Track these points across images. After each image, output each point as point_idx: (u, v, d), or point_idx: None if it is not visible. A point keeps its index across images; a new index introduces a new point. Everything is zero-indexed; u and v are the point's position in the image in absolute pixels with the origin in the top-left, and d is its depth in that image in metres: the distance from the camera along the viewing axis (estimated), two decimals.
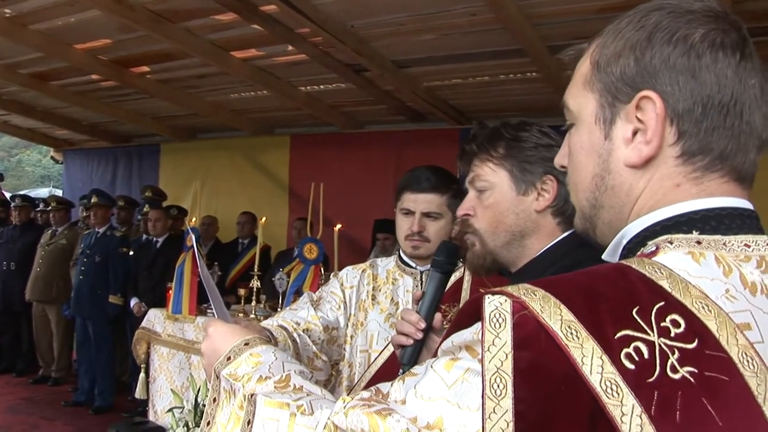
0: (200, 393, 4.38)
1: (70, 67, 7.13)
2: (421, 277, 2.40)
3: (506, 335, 0.76)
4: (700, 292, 0.79)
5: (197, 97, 8.09)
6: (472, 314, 0.85)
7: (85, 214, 8.66)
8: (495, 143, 1.68)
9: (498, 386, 0.74)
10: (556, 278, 0.83)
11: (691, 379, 0.73)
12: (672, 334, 0.75)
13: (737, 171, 0.91)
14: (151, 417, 5.16)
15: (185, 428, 4.25)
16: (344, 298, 2.37)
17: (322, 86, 7.38)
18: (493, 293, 0.80)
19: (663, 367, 0.74)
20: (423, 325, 1.63)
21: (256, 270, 5.13)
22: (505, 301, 0.78)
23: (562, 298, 0.77)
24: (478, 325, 0.81)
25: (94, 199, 7.59)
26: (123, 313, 7.41)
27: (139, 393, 5.25)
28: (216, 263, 5.57)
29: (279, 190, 9.25)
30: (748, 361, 0.76)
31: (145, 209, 7.85)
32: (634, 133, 0.92)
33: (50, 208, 8.75)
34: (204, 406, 4.20)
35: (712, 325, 0.77)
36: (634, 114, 0.92)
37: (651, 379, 0.73)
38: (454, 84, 6.98)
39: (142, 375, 5.28)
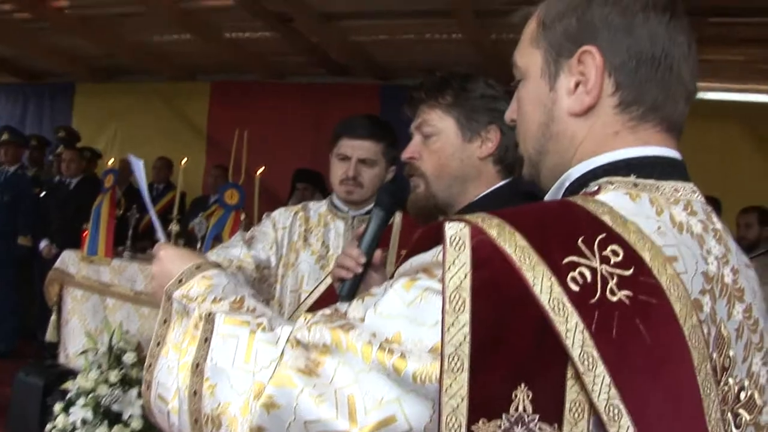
0: (115, 335, 4.35)
1: None
2: (353, 221, 2.47)
3: (465, 257, 0.83)
4: (636, 228, 0.89)
5: (117, 36, 7.84)
6: (430, 240, 0.93)
7: None
8: (443, 91, 1.77)
9: (457, 302, 0.81)
10: (510, 210, 0.91)
11: (627, 302, 0.83)
12: (612, 262, 0.85)
13: (668, 121, 1.02)
14: (62, 360, 5.08)
15: (98, 370, 4.23)
16: (276, 238, 2.42)
17: (246, 34, 7.28)
18: (452, 220, 0.88)
19: (603, 290, 0.83)
20: (363, 260, 1.71)
21: (175, 214, 5.07)
22: (465, 226, 0.86)
23: (516, 226, 0.86)
24: (437, 248, 0.89)
25: (5, 136, 7.30)
26: (31, 255, 7.23)
27: (49, 335, 5.14)
28: (135, 206, 5.49)
29: (196, 137, 9.16)
30: (674, 288, 0.86)
31: (58, 150, 7.63)
32: (577, 84, 1.02)
33: None
34: (119, 349, 4.20)
35: (646, 256, 0.86)
36: (576, 67, 1.01)
37: (592, 301, 0.82)
38: (381, 40, 7.01)
39: (53, 317, 5.17)
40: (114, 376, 4.14)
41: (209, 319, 1.12)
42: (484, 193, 1.77)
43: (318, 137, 8.05)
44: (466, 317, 0.81)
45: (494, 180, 1.78)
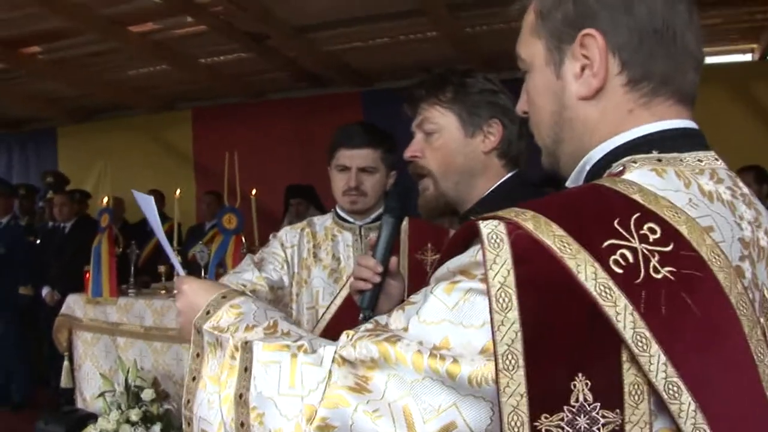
0: (130, 374, 4.33)
1: None
2: (360, 231, 2.45)
3: (506, 253, 0.82)
4: (668, 203, 0.88)
5: (93, 76, 7.82)
6: (463, 241, 0.93)
7: None
8: (443, 88, 1.77)
9: (503, 300, 0.81)
10: (539, 201, 0.90)
11: (671, 278, 0.82)
12: (650, 240, 0.84)
13: (680, 92, 1.02)
14: (79, 405, 5.05)
15: (119, 411, 4.21)
16: (286, 257, 2.41)
17: (222, 57, 7.28)
18: (485, 218, 0.87)
19: (647, 270, 0.82)
20: (380, 269, 1.69)
21: (175, 245, 5.06)
22: (499, 223, 0.85)
23: (550, 216, 0.85)
24: (474, 249, 0.88)
25: None
26: (34, 303, 7.17)
27: (64, 382, 5.11)
28: (133, 242, 5.47)
29: (183, 166, 9.16)
30: (715, 258, 0.86)
31: (48, 195, 7.58)
32: (582, 69, 1.01)
33: None
34: (136, 387, 4.17)
35: (683, 230, 0.86)
36: (579, 52, 1.01)
37: (638, 281, 0.81)
38: (355, 47, 7.02)
39: (66, 363, 5.13)
40: (135, 414, 4.13)
41: (246, 347, 1.10)
42: (494, 186, 1.77)
43: (305, 151, 8.06)
44: (515, 314, 0.80)
45: (500, 173, 1.79)
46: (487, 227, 0.85)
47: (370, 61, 7.49)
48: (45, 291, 6.92)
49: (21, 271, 7.08)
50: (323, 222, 2.53)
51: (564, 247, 0.82)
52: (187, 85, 8.20)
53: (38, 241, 7.26)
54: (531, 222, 0.84)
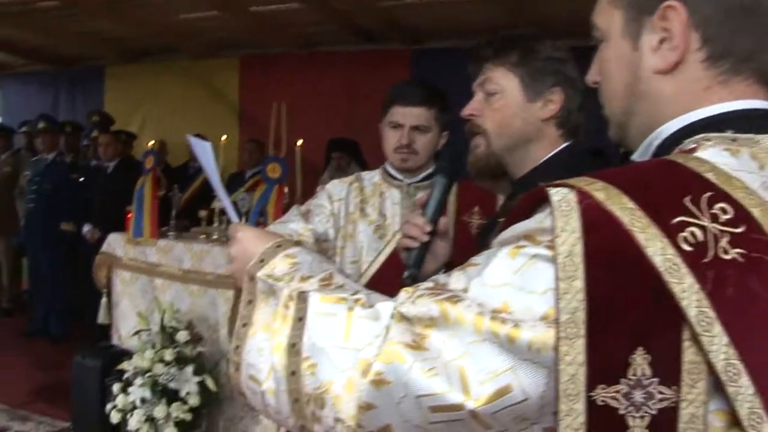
0: (166, 315, 4.41)
1: None
2: (408, 189, 2.45)
3: (575, 222, 0.82)
4: (741, 184, 0.87)
5: (145, 16, 7.81)
6: (530, 207, 0.92)
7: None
8: (510, 50, 1.76)
9: (569, 269, 0.81)
10: (608, 172, 0.89)
11: (740, 260, 0.81)
12: (721, 220, 0.83)
13: (760, 72, 0.99)
14: (115, 341, 5.15)
15: (153, 350, 4.29)
16: (333, 210, 2.43)
17: (273, 6, 7.24)
18: (555, 185, 0.87)
19: (715, 249, 0.81)
20: (429, 228, 1.69)
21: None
22: (570, 191, 0.85)
23: (621, 188, 0.84)
24: (541, 215, 0.88)
25: (42, 125, 7.34)
26: (75, 240, 7.31)
27: (102, 318, 5.21)
28: (176, 185, 5.52)
29: (228, 113, 9.16)
30: None
31: (94, 134, 7.66)
32: (661, 41, 0.99)
33: None
34: (171, 328, 4.25)
35: (756, 212, 0.84)
36: (659, 24, 0.98)
37: (705, 260, 0.80)
38: (409, 4, 6.93)
39: (104, 300, 5.23)
40: (169, 354, 4.20)
41: (301, 297, 1.10)
42: (550, 155, 1.75)
43: (351, 106, 8.04)
44: (580, 284, 0.80)
45: (557, 143, 1.77)
46: (557, 194, 0.85)
47: (420, 20, 7.39)
48: (86, 228, 7.04)
49: (64, 208, 7.20)
50: (371, 177, 2.53)
51: (633, 220, 0.81)
52: (237, 33, 8.17)
53: (81, 179, 7.35)
54: (602, 192, 0.84)
